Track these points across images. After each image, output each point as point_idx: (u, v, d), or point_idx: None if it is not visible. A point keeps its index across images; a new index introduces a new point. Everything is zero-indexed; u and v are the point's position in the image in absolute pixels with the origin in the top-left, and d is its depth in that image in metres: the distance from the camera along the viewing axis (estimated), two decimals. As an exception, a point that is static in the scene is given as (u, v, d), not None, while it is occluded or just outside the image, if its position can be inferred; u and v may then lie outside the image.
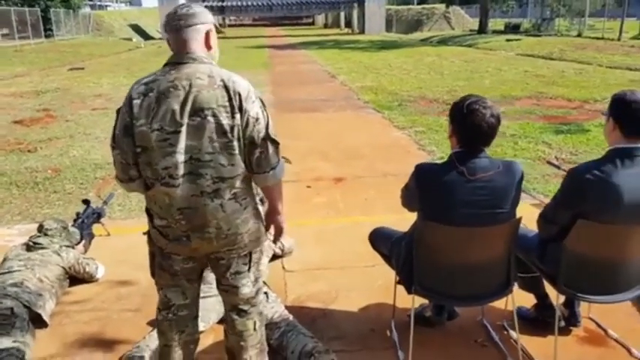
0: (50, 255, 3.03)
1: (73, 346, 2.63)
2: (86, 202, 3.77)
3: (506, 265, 2.31)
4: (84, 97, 11.19)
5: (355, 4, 45.93)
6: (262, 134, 1.83)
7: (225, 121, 1.77)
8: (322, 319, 2.82)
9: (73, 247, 3.26)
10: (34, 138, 7.34)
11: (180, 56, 1.81)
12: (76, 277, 3.15)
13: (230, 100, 1.77)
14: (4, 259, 3.05)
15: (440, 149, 6.17)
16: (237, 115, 1.78)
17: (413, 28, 42.86)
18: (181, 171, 1.78)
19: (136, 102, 1.78)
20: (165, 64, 1.84)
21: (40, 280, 2.86)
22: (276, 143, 1.88)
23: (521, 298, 2.67)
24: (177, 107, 1.75)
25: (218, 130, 1.77)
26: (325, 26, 63.25)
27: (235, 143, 1.80)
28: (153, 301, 2.92)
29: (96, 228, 3.75)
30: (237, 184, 1.85)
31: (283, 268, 3.38)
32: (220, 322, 2.68)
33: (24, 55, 22.07)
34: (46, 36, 29.50)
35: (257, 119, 1.81)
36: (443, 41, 29.33)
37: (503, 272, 2.32)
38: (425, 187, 2.19)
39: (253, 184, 1.96)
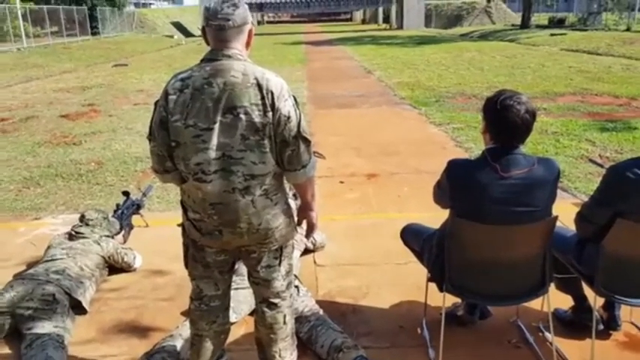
0: (91, 244, 3.15)
1: (110, 332, 2.72)
2: (126, 193, 3.89)
3: (541, 265, 2.25)
4: (127, 93, 11.52)
5: (394, 0, 45.45)
6: (294, 132, 1.84)
7: (258, 119, 1.78)
8: (352, 314, 2.82)
9: (112, 237, 3.38)
10: (79, 132, 7.61)
11: (216, 53, 1.83)
12: (114, 266, 3.26)
13: (263, 98, 1.78)
14: (48, 247, 3.18)
15: (478, 146, 6.04)
16: (270, 114, 1.79)
17: (452, 23, 42.11)
18: (213, 167, 1.81)
19: (172, 97, 1.81)
20: (202, 60, 1.86)
21: (81, 269, 2.97)
22: (307, 141, 1.88)
23: (558, 300, 2.61)
24: (210, 104, 1.78)
25: (250, 127, 1.79)
26: (363, 22, 62.91)
27: (267, 141, 1.81)
28: (187, 292, 2.97)
29: (135, 219, 3.87)
30: (268, 180, 1.87)
31: (315, 262, 3.40)
32: (252, 313, 2.72)
33: (71, 52, 22.86)
34: (93, 33, 30.44)
35: (289, 117, 1.82)
36: (483, 36, 28.69)
37: (538, 272, 2.26)
38: (457, 184, 2.16)
39: (284, 181, 1.98)
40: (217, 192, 1.83)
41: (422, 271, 2.69)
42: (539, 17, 34.01)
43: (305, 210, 2.08)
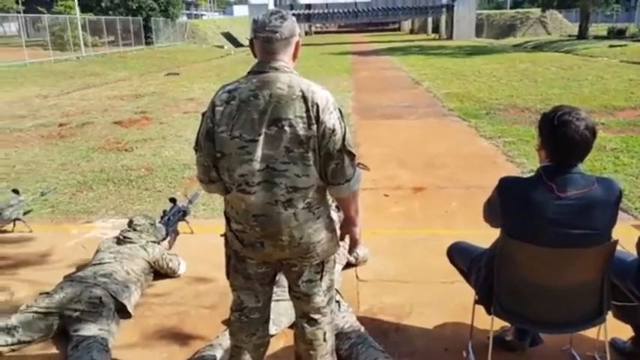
0: (138, 249, 3.21)
1: (153, 337, 2.76)
2: (173, 200, 3.96)
3: (599, 292, 2.11)
4: (177, 101, 11.83)
5: (444, 9, 44.96)
6: (338, 146, 1.80)
7: (302, 132, 1.77)
8: (394, 333, 2.74)
9: (158, 243, 3.43)
10: (130, 138, 7.86)
11: (263, 65, 1.82)
12: (159, 272, 3.31)
13: (308, 111, 1.76)
14: (97, 251, 3.28)
15: (530, 161, 5.83)
16: (314, 127, 1.77)
17: (505, 33, 41.20)
18: (257, 179, 1.80)
19: (219, 109, 1.82)
20: (249, 72, 1.86)
21: (127, 273, 3.03)
22: (352, 155, 1.84)
23: (616, 329, 2.45)
24: (256, 116, 1.78)
25: (294, 140, 1.77)
26: (412, 32, 62.49)
27: (311, 154, 1.79)
28: (229, 301, 2.96)
29: (180, 225, 3.93)
30: (311, 194, 1.85)
31: (357, 277, 3.34)
32: (292, 326, 2.69)
33: (126, 61, 23.80)
34: (147, 43, 31.63)
35: (333, 130, 1.79)
36: (538, 47, 27.89)
37: (596, 299, 2.12)
38: (509, 203, 2.06)
39: (328, 195, 1.95)
40: (260, 204, 1.82)
41: (469, 292, 2.58)
42: (598, 28, 32.83)
43: (348, 225, 2.04)
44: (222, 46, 37.54)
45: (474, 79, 14.36)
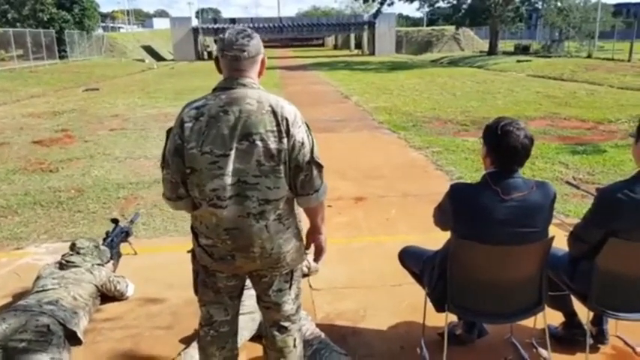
0: (83, 273, 3.09)
1: (108, 362, 2.66)
2: (115, 221, 3.83)
3: (538, 283, 2.34)
4: (101, 118, 11.35)
5: (365, 26, 46.55)
6: (307, 158, 1.88)
7: (273, 146, 1.82)
8: (352, 336, 2.84)
9: (103, 266, 3.31)
10: (54, 158, 7.45)
11: (231, 82, 1.87)
12: (106, 295, 3.19)
13: (278, 125, 1.83)
14: (38, 278, 3.10)
15: (458, 169, 6.21)
16: (285, 140, 1.83)
17: (423, 49, 43.29)
18: (229, 193, 1.83)
19: (188, 125, 1.84)
20: (215, 89, 1.90)
21: (74, 298, 2.90)
22: (320, 166, 1.93)
23: (549, 316, 2.69)
24: (226, 132, 1.81)
25: (266, 154, 1.82)
26: (335, 47, 64.07)
27: (282, 167, 1.85)
28: (183, 319, 2.99)
29: (123, 247, 3.81)
30: (282, 205, 1.91)
31: (310, 286, 3.41)
32: (252, 339, 2.72)
33: (39, 76, 22.45)
34: (60, 57, 30.04)
35: (303, 143, 1.87)
36: (453, 62, 29.55)
37: (536, 290, 2.35)
38: (460, 207, 2.23)
39: (295, 205, 2.01)
40: (232, 217, 1.85)
41: (416, 292, 2.75)
42: (505, 44, 35.34)
43: (314, 233, 2.12)
44: (143, 60, 36.47)
45: (398, 93, 14.98)
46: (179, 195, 1.93)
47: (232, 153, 1.82)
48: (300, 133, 1.87)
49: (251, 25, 45.45)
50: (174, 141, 1.87)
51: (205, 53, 45.21)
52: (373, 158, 7.02)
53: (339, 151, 7.56)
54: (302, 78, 21.65)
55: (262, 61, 1.94)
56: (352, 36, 54.96)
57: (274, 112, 1.84)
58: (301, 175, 1.89)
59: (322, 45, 70.25)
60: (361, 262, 3.78)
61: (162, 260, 3.87)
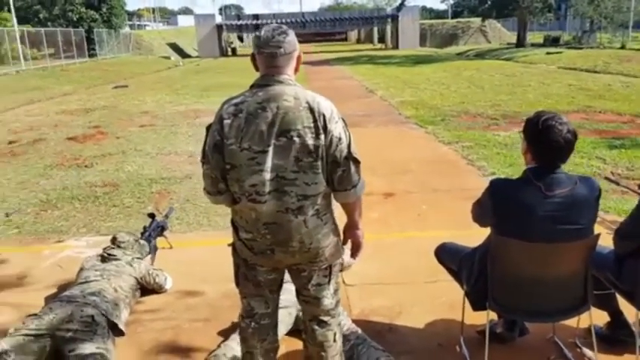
0: (124, 266, 3.16)
1: (151, 353, 2.73)
2: (152, 215, 3.91)
3: (583, 282, 2.29)
4: (131, 115, 11.55)
5: (389, 20, 46.17)
6: (345, 153, 1.90)
7: (311, 142, 1.84)
8: (389, 333, 2.84)
9: (142, 259, 3.39)
10: (89, 154, 7.63)
11: (268, 79, 1.89)
12: (145, 288, 3.27)
13: (315, 121, 1.85)
14: (81, 270, 3.19)
15: (490, 164, 6.13)
16: (322, 136, 1.85)
17: (447, 42, 42.74)
18: (267, 188, 1.86)
19: (227, 122, 1.87)
20: (252, 86, 1.92)
21: (115, 290, 2.98)
22: (357, 162, 1.94)
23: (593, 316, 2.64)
24: (264, 128, 1.84)
25: (303, 150, 1.84)
26: (358, 41, 63.74)
27: (319, 162, 1.87)
28: (221, 312, 3.04)
29: (159, 240, 3.89)
30: (319, 200, 1.92)
31: (344, 282, 3.42)
32: (288, 333, 2.74)
33: (70, 74, 22.97)
34: (90, 55, 30.67)
35: (340, 139, 1.89)
36: (480, 55, 29.12)
37: (580, 289, 2.30)
38: (500, 203, 2.21)
39: (332, 200, 2.03)
40: (271, 212, 1.88)
41: (452, 289, 2.73)
42: (534, 36, 34.64)
43: (352, 229, 2.13)
44: (168, 57, 36.90)
45: (424, 87, 14.84)
46: (219, 190, 1.96)
47: (270, 149, 1.84)
48: (337, 129, 1.88)
49: (273, 21, 45.70)
50: (213, 137, 1.90)
51: (229, 49, 45.54)
52: (401, 153, 6.98)
53: (366, 146, 7.44)
54: (326, 73, 21.62)
55: (298, 57, 1.96)
56: (375, 30, 54.61)
57: (311, 109, 1.86)
58: (339, 171, 1.91)
59: (345, 39, 69.96)
60: (393, 258, 3.77)
61: (197, 254, 3.93)
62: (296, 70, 1.98)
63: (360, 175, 1.99)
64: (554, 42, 30.90)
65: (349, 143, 1.92)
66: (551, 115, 2.17)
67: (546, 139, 2.12)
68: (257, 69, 1.96)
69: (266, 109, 1.85)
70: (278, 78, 1.89)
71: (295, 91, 1.89)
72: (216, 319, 2.98)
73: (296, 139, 1.84)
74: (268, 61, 1.89)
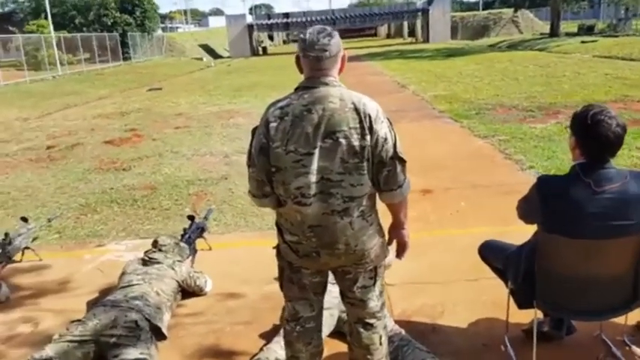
0: (165, 269, 3.20)
1: (193, 357, 2.75)
2: (191, 217, 3.95)
3: (632, 279, 2.21)
4: (165, 117, 11.72)
5: (419, 13, 45.64)
6: (390, 153, 1.88)
7: (357, 143, 1.83)
8: (432, 333, 2.80)
9: (183, 262, 3.42)
10: (126, 157, 7.78)
11: (313, 81, 1.89)
12: (186, 290, 3.30)
13: (361, 122, 1.83)
14: (123, 274, 3.24)
15: (527, 158, 5.97)
16: (368, 137, 1.84)
17: (479, 34, 41.96)
18: (313, 190, 1.85)
19: (273, 125, 1.87)
20: (297, 88, 1.92)
21: (157, 294, 3.01)
22: (403, 161, 1.92)
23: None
24: (310, 130, 1.83)
25: (349, 151, 1.83)
26: (388, 36, 63.23)
27: (365, 163, 1.86)
28: (262, 315, 3.04)
29: (197, 242, 3.92)
30: (365, 202, 1.91)
31: (385, 281, 3.38)
32: (331, 335, 2.73)
33: (104, 78, 23.54)
34: (124, 59, 31.42)
35: (386, 139, 1.87)
36: (512, 46, 28.47)
37: (630, 286, 2.22)
38: (549, 200, 2.13)
39: (377, 200, 2.00)
40: (316, 214, 1.87)
41: (495, 287, 2.67)
42: (567, 25, 33.70)
43: (397, 229, 2.11)
44: (201, 59, 37.44)
45: (457, 80, 14.61)
46: (264, 193, 1.96)
47: (316, 151, 1.83)
48: (382, 129, 1.87)
49: (304, 19, 45.87)
50: (259, 140, 1.90)
51: (260, 49, 45.87)
52: (437, 148, 6.88)
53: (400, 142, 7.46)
54: (356, 69, 21.48)
55: (343, 58, 1.95)
56: (405, 24, 54.06)
57: (357, 110, 1.84)
58: (384, 171, 1.89)
59: (375, 35, 69.53)
60: (434, 256, 3.71)
61: (236, 255, 3.96)
62: (341, 70, 1.97)
63: (406, 174, 1.97)
64: (588, 30, 29.97)
65: (395, 143, 1.91)
66: (599, 108, 2.09)
67: (596, 134, 2.04)
68: (301, 71, 1.95)
69: (312, 112, 1.84)
70: (323, 80, 1.89)
71: (341, 92, 1.88)
72: (257, 321, 2.99)
73: (342, 140, 1.83)
74: (314, 64, 1.89)
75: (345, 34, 65.57)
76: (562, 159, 5.69)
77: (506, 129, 7.69)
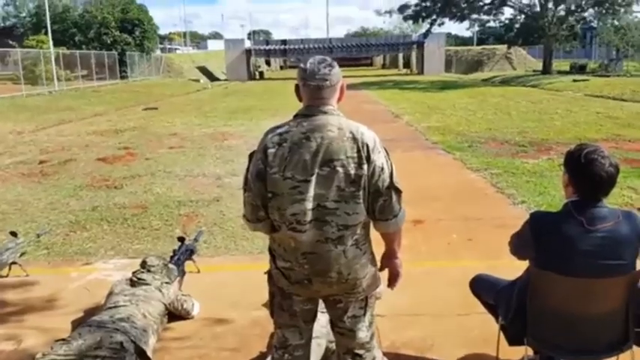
0: (153, 291, 3.15)
1: (177, 382, 2.70)
2: (181, 239, 3.92)
3: (624, 319, 2.21)
4: (160, 136, 11.72)
5: (414, 46, 46.49)
6: (387, 183, 1.89)
7: (353, 172, 1.84)
8: (421, 367, 2.76)
9: (171, 284, 3.38)
10: (118, 175, 7.73)
11: (312, 109, 1.91)
12: (173, 314, 3.25)
13: (359, 151, 1.86)
14: (110, 294, 3.19)
15: (519, 192, 6.02)
16: (365, 166, 1.86)
17: (473, 68, 42.74)
18: (309, 217, 1.85)
19: (271, 151, 1.88)
20: (296, 115, 1.94)
21: (144, 316, 2.96)
22: (399, 192, 1.94)
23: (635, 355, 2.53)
24: (308, 157, 1.84)
25: (346, 179, 1.85)
26: (383, 67, 64.19)
27: (361, 192, 1.87)
28: (249, 341, 3.00)
29: (187, 264, 3.88)
30: (359, 230, 1.91)
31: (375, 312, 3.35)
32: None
33: (101, 96, 23.58)
34: (121, 77, 31.56)
35: (382, 169, 1.89)
36: (505, 81, 29.01)
37: (621, 326, 2.22)
38: (541, 236, 2.15)
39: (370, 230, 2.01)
40: (311, 242, 1.87)
41: (486, 322, 2.66)
42: (560, 63, 34.42)
43: (390, 258, 2.12)
44: (198, 80, 37.71)
45: (450, 112, 14.80)
46: (259, 217, 1.97)
47: (313, 178, 1.84)
48: (380, 159, 1.89)
49: (301, 46, 46.50)
50: (256, 165, 1.91)
51: (257, 73, 46.33)
52: (429, 179, 6.92)
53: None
54: (352, 97, 21.68)
55: (342, 88, 1.98)
56: (400, 55, 54.98)
57: (355, 139, 1.86)
58: (380, 200, 1.90)
59: (370, 64, 70.50)
60: (424, 288, 3.69)
61: (225, 279, 3.92)
62: (339, 99, 2.00)
63: (401, 204, 1.98)
64: (580, 69, 30.66)
65: (391, 173, 1.93)
66: (593, 148, 2.13)
67: (589, 173, 2.08)
68: (300, 99, 1.98)
69: (310, 139, 1.86)
70: (323, 109, 1.91)
71: (339, 121, 1.91)
72: (244, 348, 2.94)
73: (339, 168, 1.85)
74: (314, 93, 1.91)
75: (341, 63, 65.62)
76: (554, 195, 5.73)
77: (498, 163, 7.77)
